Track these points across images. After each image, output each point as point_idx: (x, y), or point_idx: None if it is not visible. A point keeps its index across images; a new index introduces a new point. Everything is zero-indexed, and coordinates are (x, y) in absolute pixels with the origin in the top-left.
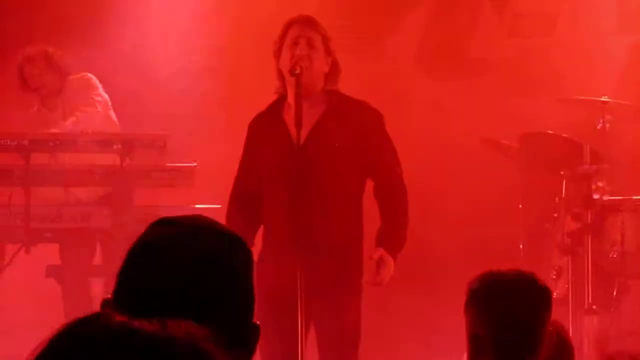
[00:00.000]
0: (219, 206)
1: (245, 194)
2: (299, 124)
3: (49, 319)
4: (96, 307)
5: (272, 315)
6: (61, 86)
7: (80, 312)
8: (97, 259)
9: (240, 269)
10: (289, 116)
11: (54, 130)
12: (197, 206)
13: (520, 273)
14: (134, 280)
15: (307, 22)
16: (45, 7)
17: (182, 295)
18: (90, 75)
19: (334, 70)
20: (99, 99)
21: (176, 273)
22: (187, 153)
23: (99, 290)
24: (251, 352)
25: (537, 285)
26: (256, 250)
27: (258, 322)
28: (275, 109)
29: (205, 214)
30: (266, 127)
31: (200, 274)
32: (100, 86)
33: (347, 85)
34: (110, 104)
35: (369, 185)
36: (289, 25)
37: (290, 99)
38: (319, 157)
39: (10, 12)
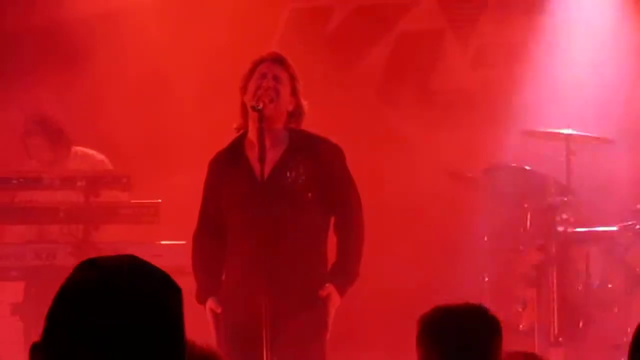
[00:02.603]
0: (183, 242)
1: (209, 232)
2: (262, 159)
3: (13, 357)
4: None
5: (237, 350)
6: (61, 159)
7: None
8: None
9: (171, 309)
10: (252, 152)
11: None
12: (162, 242)
13: (469, 305)
14: (62, 324)
15: (276, 60)
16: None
17: (109, 338)
18: (93, 152)
19: (297, 111)
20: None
21: (104, 315)
22: (152, 190)
23: None
24: None
25: (486, 315)
26: None
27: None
28: (237, 146)
29: (171, 250)
30: (228, 164)
31: (129, 316)
32: (106, 160)
33: (310, 117)
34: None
35: None
36: (258, 62)
37: (252, 135)
38: (282, 194)
39: None
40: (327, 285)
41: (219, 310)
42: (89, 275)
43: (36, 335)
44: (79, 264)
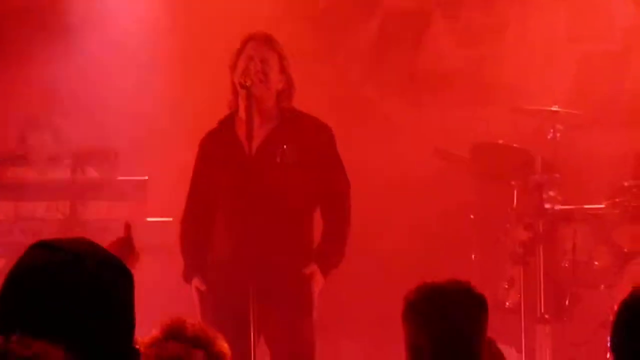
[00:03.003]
0: (170, 219)
1: (199, 209)
2: (249, 137)
3: None
4: None
5: (222, 330)
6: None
7: None
8: None
9: (120, 294)
10: (241, 130)
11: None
12: (148, 219)
13: (456, 282)
14: (8, 304)
15: (265, 40)
16: None
17: (54, 320)
18: None
19: (287, 88)
20: None
21: (50, 298)
22: (139, 166)
23: None
24: None
25: (473, 292)
26: None
27: (138, 347)
28: (227, 124)
29: (157, 226)
30: (218, 142)
31: (75, 300)
32: None
33: (296, 96)
34: None
35: None
36: (246, 40)
37: (242, 113)
38: (269, 171)
39: None
40: (310, 264)
41: (203, 288)
42: (39, 256)
43: None
44: (31, 245)
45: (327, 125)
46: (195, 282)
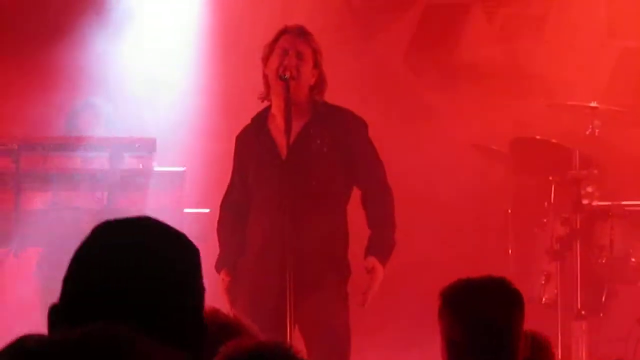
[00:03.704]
0: (207, 210)
1: (235, 204)
2: (288, 130)
3: (37, 323)
4: None
5: (257, 322)
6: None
7: None
8: None
9: (187, 269)
10: (274, 125)
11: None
12: (186, 210)
13: (491, 278)
14: (78, 284)
15: (299, 33)
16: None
17: (125, 297)
18: None
19: (320, 83)
20: None
21: (120, 275)
22: (176, 157)
23: None
24: (197, 351)
25: (508, 288)
26: None
27: (207, 323)
28: (259, 119)
29: (195, 217)
30: (251, 137)
31: (144, 275)
32: None
33: (336, 89)
34: None
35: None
36: (281, 33)
37: (274, 108)
38: (304, 165)
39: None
40: (369, 258)
41: (227, 279)
42: (103, 235)
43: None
44: (95, 226)
45: (361, 117)
46: (222, 273)
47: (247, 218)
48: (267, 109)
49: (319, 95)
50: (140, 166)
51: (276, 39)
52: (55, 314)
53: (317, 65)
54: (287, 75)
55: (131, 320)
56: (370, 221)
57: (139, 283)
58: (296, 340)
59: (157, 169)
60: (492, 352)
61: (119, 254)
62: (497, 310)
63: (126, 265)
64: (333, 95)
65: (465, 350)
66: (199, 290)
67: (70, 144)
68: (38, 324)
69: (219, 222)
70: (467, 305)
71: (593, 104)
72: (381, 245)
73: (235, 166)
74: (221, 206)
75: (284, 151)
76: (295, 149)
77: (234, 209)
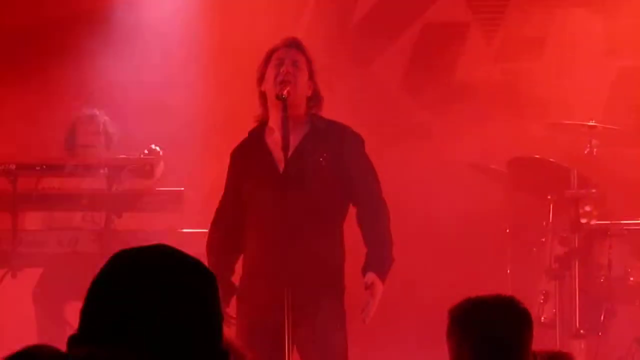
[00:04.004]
0: (206, 230)
1: (227, 221)
2: (286, 147)
3: (34, 343)
4: (70, 331)
5: (256, 342)
6: (106, 150)
7: (51, 337)
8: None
9: (205, 295)
10: (271, 139)
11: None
12: (185, 230)
13: (499, 297)
14: (97, 313)
15: (292, 44)
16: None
17: (144, 325)
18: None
19: (316, 95)
20: None
21: (138, 303)
22: (175, 177)
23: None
24: None
25: (517, 306)
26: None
27: (229, 344)
28: (257, 134)
29: (194, 238)
30: (248, 152)
31: (163, 303)
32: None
33: (332, 110)
34: None
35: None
36: (273, 50)
37: (272, 122)
38: (301, 179)
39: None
40: (368, 274)
41: (230, 314)
42: (123, 264)
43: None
44: (112, 256)
45: (358, 133)
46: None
47: (240, 236)
48: (265, 123)
49: (316, 108)
50: (137, 187)
51: (269, 56)
52: (75, 345)
53: (312, 76)
54: (285, 94)
55: (156, 351)
56: (367, 238)
57: (163, 314)
58: None
59: (156, 189)
60: None
61: (141, 285)
62: (506, 328)
63: (149, 297)
64: (329, 115)
65: None
66: (219, 317)
67: (68, 164)
68: (33, 343)
69: (209, 241)
70: (476, 323)
71: (591, 123)
72: (380, 262)
73: (228, 183)
74: (212, 224)
75: (281, 165)
76: (292, 163)
77: (226, 227)
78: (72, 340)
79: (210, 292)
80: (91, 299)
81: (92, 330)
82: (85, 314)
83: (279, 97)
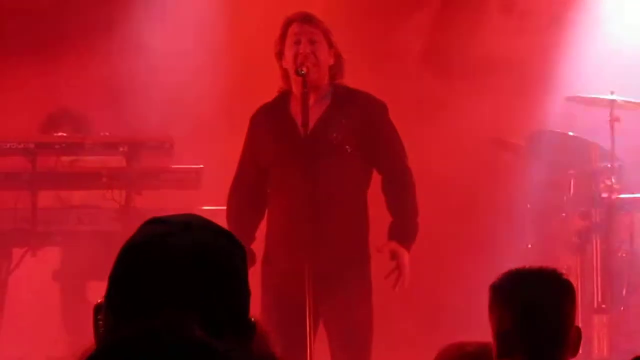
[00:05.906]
0: (225, 207)
1: (247, 186)
2: (305, 124)
3: (55, 322)
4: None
5: (279, 314)
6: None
7: (76, 316)
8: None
9: (234, 264)
10: (296, 108)
11: (60, 134)
12: (204, 208)
13: (542, 268)
14: (125, 282)
15: (305, 19)
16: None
17: (173, 293)
18: None
19: (338, 62)
20: None
21: (167, 271)
22: (194, 154)
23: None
24: (247, 349)
25: (559, 277)
26: (256, 245)
27: (254, 319)
28: (281, 101)
29: (213, 215)
30: (271, 119)
31: (192, 271)
32: None
33: (351, 84)
34: None
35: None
36: (287, 24)
37: (297, 92)
38: (325, 148)
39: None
40: (392, 243)
41: None
42: (148, 232)
43: (74, 300)
44: (143, 223)
45: (381, 100)
46: None
47: (260, 202)
48: (289, 91)
49: (339, 75)
50: (157, 164)
51: (284, 32)
52: (100, 312)
53: (331, 45)
54: (304, 70)
55: (188, 317)
56: (392, 207)
57: (196, 280)
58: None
59: (174, 166)
60: (543, 341)
61: (174, 251)
62: (548, 298)
63: (182, 262)
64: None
65: (514, 338)
66: (248, 287)
67: (87, 142)
68: (54, 322)
69: (228, 208)
70: (518, 294)
71: (612, 97)
72: (405, 230)
73: (246, 148)
74: (231, 190)
75: (305, 139)
76: (315, 133)
77: (244, 196)
78: (98, 310)
79: (243, 261)
80: (119, 266)
81: (119, 298)
82: (112, 281)
83: (298, 72)
